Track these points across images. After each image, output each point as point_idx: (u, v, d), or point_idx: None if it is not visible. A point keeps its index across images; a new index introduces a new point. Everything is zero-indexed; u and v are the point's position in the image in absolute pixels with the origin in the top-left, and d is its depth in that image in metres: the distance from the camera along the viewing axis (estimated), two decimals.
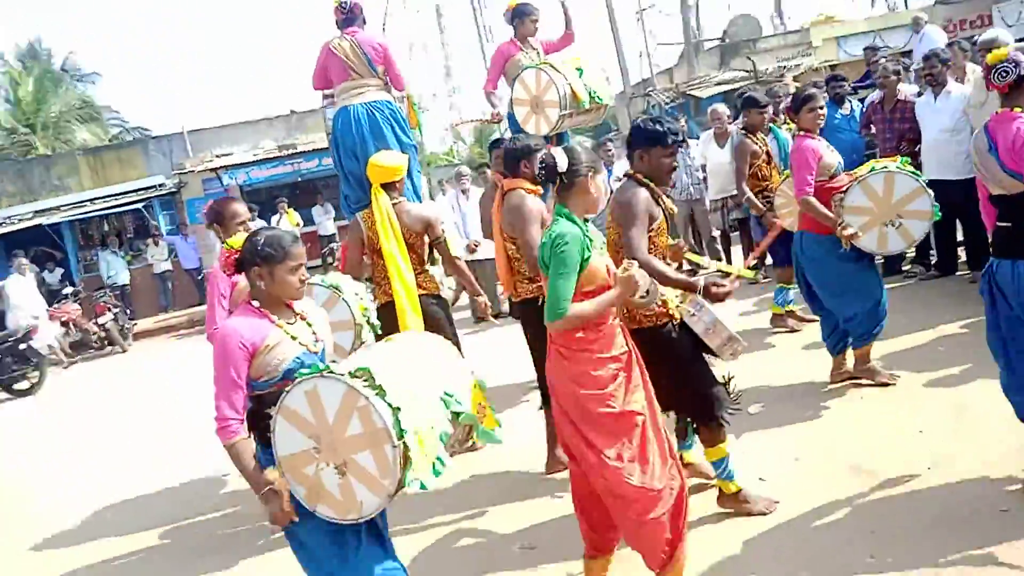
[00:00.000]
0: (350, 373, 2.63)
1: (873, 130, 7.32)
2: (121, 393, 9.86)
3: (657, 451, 3.00)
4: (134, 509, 5.54)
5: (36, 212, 17.44)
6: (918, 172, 4.97)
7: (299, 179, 18.40)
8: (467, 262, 9.42)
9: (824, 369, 5.21)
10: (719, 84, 18.85)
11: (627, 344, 3.10)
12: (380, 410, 2.55)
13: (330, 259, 14.96)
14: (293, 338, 2.85)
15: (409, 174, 5.24)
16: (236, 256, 2.92)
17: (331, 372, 2.65)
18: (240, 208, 4.24)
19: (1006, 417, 3.94)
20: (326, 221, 17.27)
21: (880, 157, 7.27)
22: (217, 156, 19.06)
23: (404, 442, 2.56)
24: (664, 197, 3.67)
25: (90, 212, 17.60)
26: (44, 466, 7.17)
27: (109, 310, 13.18)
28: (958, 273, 6.95)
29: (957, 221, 6.78)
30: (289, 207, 15.89)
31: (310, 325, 2.96)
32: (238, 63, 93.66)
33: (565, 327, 2.95)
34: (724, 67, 21.07)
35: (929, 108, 6.52)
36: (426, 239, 5.00)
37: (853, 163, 7.66)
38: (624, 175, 3.77)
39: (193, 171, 18.33)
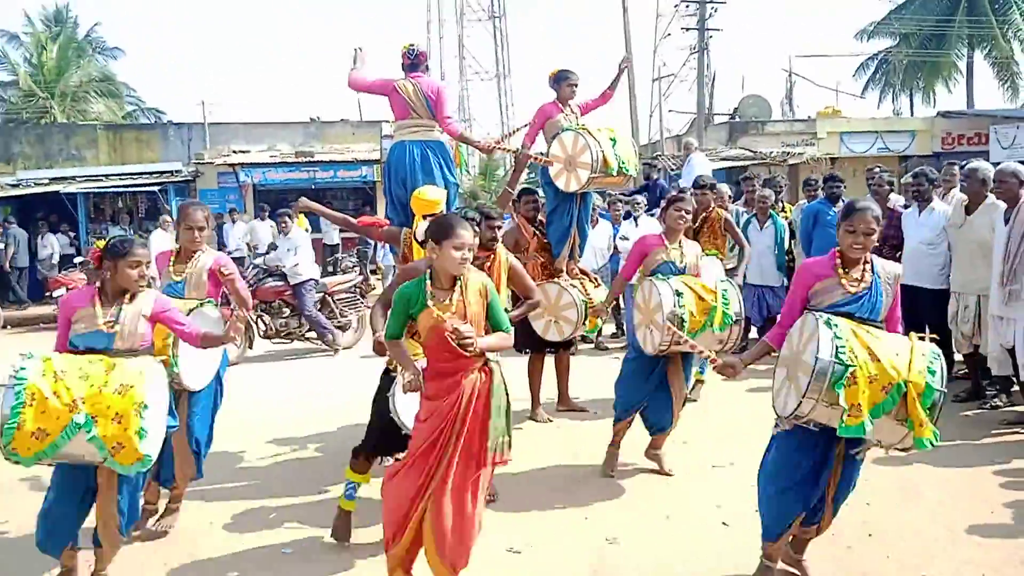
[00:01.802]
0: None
1: None
2: None
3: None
4: None
5: (53, 179, 17.92)
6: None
7: (312, 187, 18.92)
8: None
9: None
10: (724, 159, 19.74)
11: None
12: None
13: (332, 268, 15.42)
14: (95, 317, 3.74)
15: (448, 208, 5.88)
16: (98, 253, 3.86)
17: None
18: (197, 214, 4.82)
19: (940, 500, 4.57)
20: (332, 231, 17.77)
21: None
22: (234, 152, 19.60)
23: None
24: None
25: (106, 187, 18.09)
26: None
27: None
28: None
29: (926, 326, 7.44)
30: (300, 212, 16.37)
31: (119, 314, 3.76)
32: (258, 63, 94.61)
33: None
34: (731, 143, 22.02)
35: (913, 220, 7.21)
36: None
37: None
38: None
39: (212, 163, 18.86)
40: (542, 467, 5.53)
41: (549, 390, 6.89)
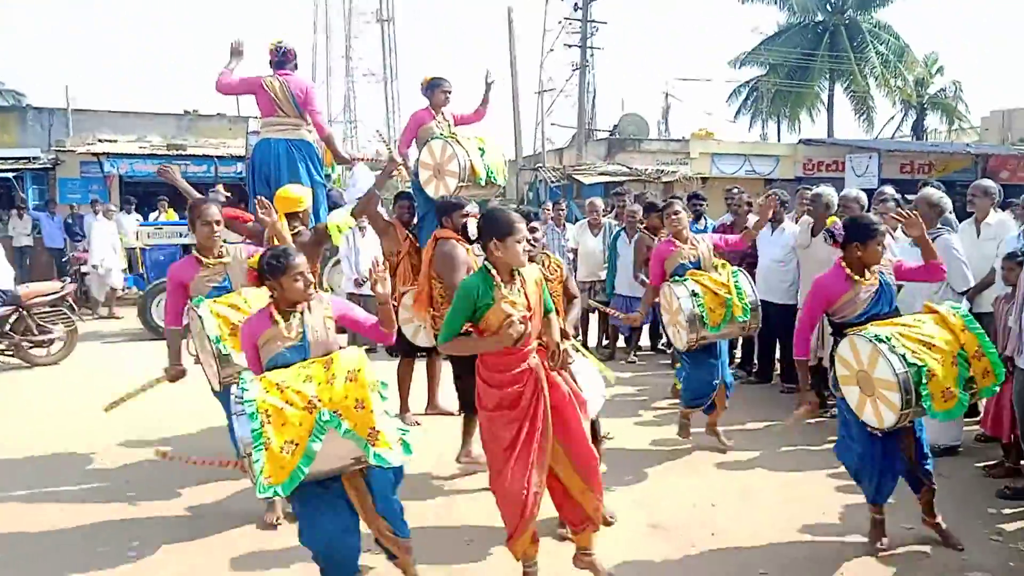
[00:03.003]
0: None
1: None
2: None
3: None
4: None
5: None
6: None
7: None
8: (353, 295, 9.93)
9: (654, 440, 6.09)
10: (602, 174, 20.28)
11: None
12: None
13: None
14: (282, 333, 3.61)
15: (316, 209, 5.80)
16: (255, 272, 3.76)
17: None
18: (212, 210, 4.80)
19: (777, 502, 4.84)
20: None
21: None
22: (100, 140, 18.64)
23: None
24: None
25: None
26: None
27: None
28: (772, 382, 8.03)
29: (777, 340, 7.87)
30: (169, 206, 15.73)
31: (303, 323, 3.66)
32: (133, 54, 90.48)
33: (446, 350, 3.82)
34: (609, 159, 22.63)
35: (766, 239, 7.62)
36: (319, 266, 5.58)
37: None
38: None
39: (74, 151, 17.88)
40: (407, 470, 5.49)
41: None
